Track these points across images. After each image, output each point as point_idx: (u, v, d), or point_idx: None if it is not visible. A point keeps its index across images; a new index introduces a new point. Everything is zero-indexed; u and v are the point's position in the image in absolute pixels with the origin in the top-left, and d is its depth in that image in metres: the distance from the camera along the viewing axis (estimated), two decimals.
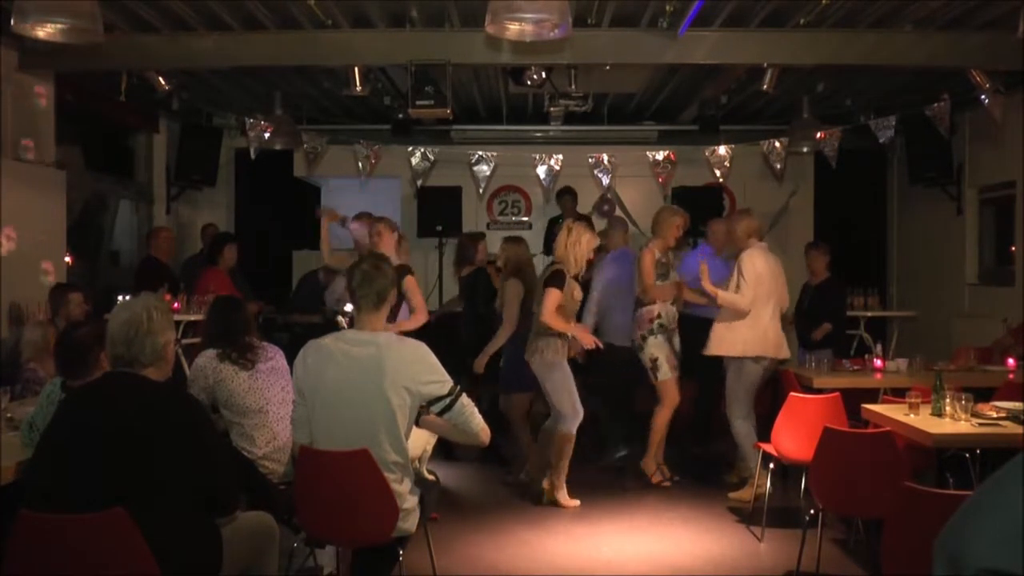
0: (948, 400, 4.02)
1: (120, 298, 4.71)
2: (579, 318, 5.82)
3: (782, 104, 8.37)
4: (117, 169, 8.71)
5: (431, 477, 4.03)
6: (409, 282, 5.30)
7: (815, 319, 6.73)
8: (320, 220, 6.17)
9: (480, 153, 7.94)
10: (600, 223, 8.05)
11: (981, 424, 3.86)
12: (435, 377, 3.13)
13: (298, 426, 3.24)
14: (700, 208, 8.33)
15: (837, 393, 4.61)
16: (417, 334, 5.23)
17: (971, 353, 5.91)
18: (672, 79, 7.79)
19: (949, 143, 8.25)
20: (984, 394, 4.48)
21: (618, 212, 9.51)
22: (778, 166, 8.05)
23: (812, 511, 4.09)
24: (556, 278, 5.28)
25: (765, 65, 6.35)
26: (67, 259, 6.71)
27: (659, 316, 5.81)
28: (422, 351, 3.17)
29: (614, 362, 6.07)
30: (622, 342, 6.10)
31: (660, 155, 8.02)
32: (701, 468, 6.21)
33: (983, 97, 6.44)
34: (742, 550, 4.69)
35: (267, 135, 7.55)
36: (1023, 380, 4.96)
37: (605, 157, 7.87)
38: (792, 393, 4.78)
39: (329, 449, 3.12)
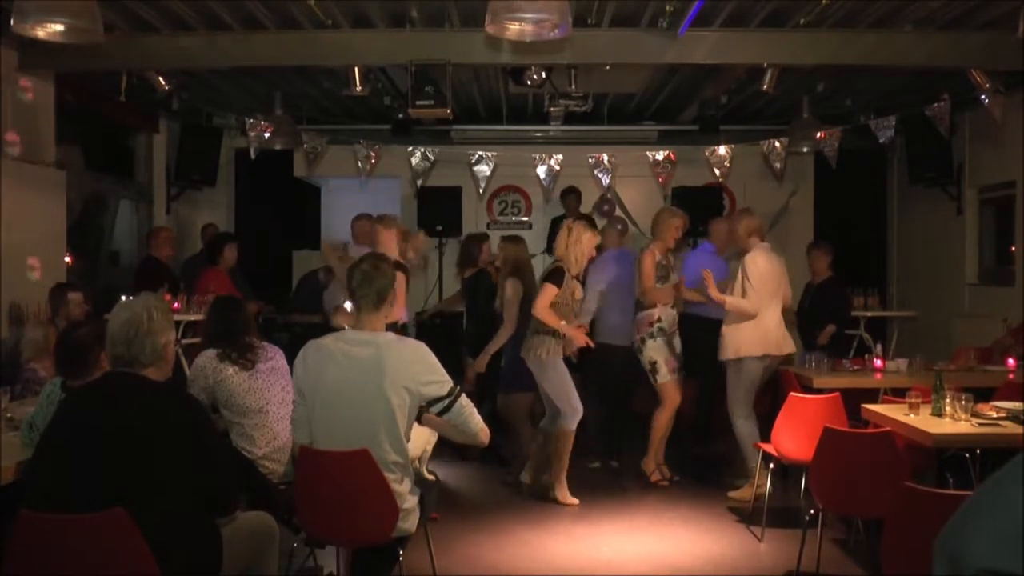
0: (948, 400, 4.02)
1: (124, 298, 4.71)
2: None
3: (782, 104, 8.37)
4: (117, 169, 8.71)
5: (431, 477, 4.03)
6: (399, 278, 5.30)
7: (816, 319, 6.74)
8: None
9: (480, 153, 7.94)
10: (600, 223, 8.06)
11: (981, 424, 3.86)
12: (435, 377, 3.14)
13: (298, 426, 3.24)
14: (700, 208, 8.33)
15: (837, 393, 4.61)
16: (418, 334, 5.23)
17: (971, 353, 5.91)
18: (672, 79, 7.79)
19: (949, 143, 8.25)
20: (984, 394, 4.48)
21: (618, 212, 9.52)
22: (778, 166, 8.05)
23: (812, 511, 4.09)
24: (555, 275, 5.32)
25: (765, 65, 6.35)
26: (67, 259, 6.71)
27: (659, 320, 5.82)
28: (422, 351, 3.17)
29: (607, 361, 6.09)
30: (618, 341, 6.13)
31: (660, 155, 8.02)
32: (701, 468, 6.21)
33: (983, 97, 6.44)
34: (742, 550, 4.69)
35: (267, 135, 7.55)
36: (1023, 380, 4.96)
37: (605, 157, 7.87)
38: (792, 393, 4.78)
39: (329, 449, 3.12)
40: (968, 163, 8.52)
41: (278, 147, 7.81)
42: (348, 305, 5.93)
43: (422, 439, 3.82)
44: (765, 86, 6.56)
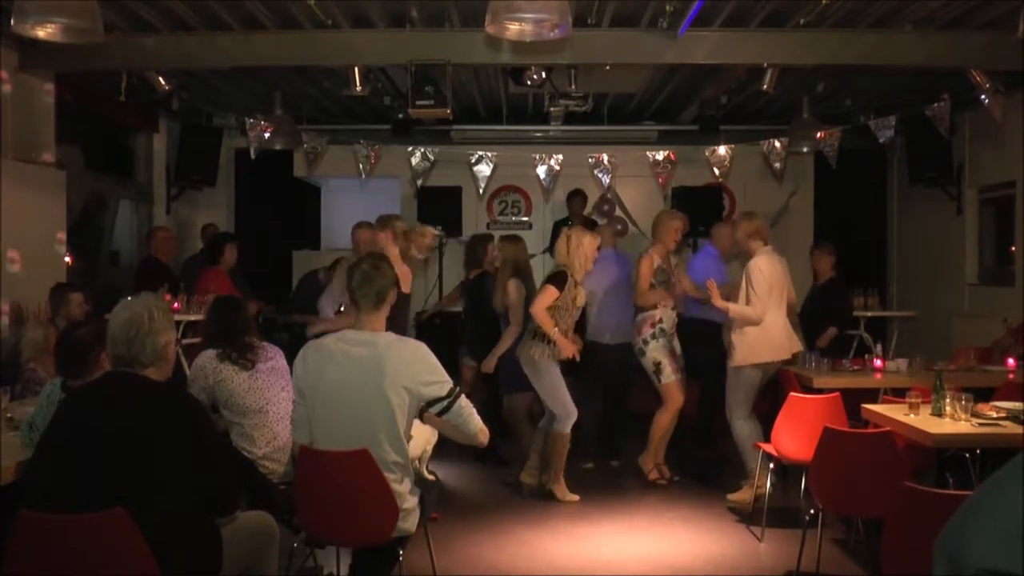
0: (948, 400, 4.02)
1: (130, 299, 4.72)
2: None
3: (782, 104, 8.37)
4: (117, 169, 8.71)
5: (431, 477, 4.03)
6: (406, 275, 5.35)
7: (816, 319, 6.74)
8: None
9: (480, 153, 7.93)
10: (600, 223, 8.06)
11: (981, 424, 3.86)
12: (435, 378, 3.14)
13: (298, 426, 3.24)
14: (700, 208, 8.35)
15: (837, 393, 4.61)
16: (418, 334, 5.23)
17: (971, 353, 5.91)
18: (672, 79, 7.79)
19: (949, 143, 8.25)
20: (984, 394, 4.48)
21: (618, 212, 9.53)
22: (778, 166, 8.04)
23: (812, 511, 4.09)
24: (558, 278, 5.35)
25: (765, 65, 6.35)
26: (67, 259, 6.71)
27: (660, 321, 5.84)
28: (422, 351, 3.17)
29: (598, 361, 6.11)
30: (608, 340, 6.15)
31: (660, 155, 8.01)
32: (701, 468, 6.21)
33: (983, 97, 6.44)
34: (742, 550, 4.69)
35: (267, 135, 7.55)
36: (1023, 380, 4.96)
37: (605, 157, 7.87)
38: (792, 393, 4.78)
39: (329, 449, 3.12)
40: (968, 163, 8.52)
41: (278, 147, 7.81)
42: (330, 311, 5.97)
43: (422, 439, 3.82)
44: (765, 86, 6.56)
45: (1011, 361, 5.62)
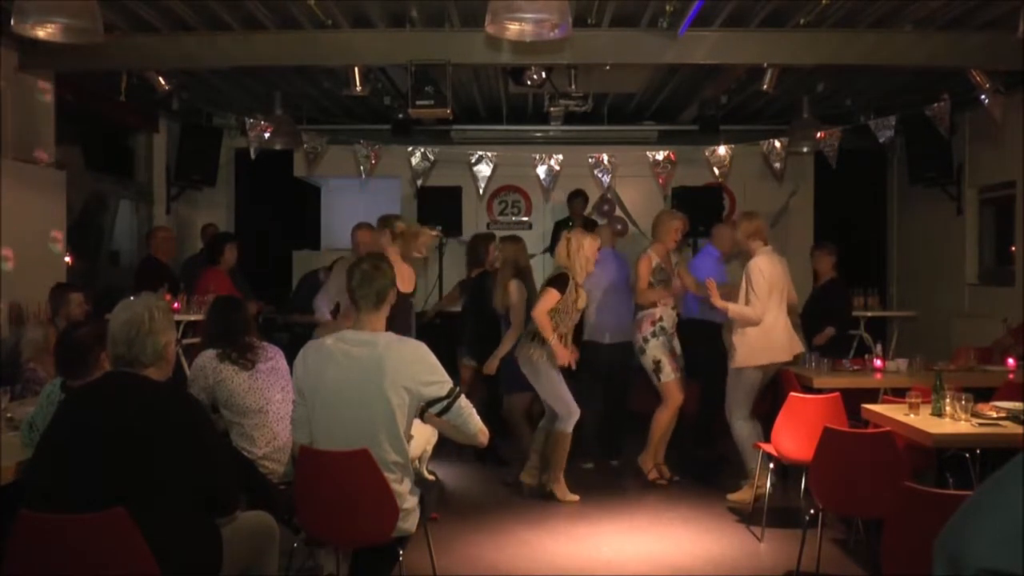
0: (948, 400, 4.02)
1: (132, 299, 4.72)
2: None
3: (782, 104, 8.37)
4: (117, 169, 8.71)
5: (431, 477, 4.03)
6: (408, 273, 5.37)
7: (817, 319, 6.73)
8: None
9: (480, 153, 7.93)
10: (601, 223, 8.06)
11: (981, 424, 3.86)
12: (435, 378, 3.14)
13: (298, 426, 3.24)
14: (700, 208, 8.35)
15: (837, 393, 4.61)
16: (418, 334, 5.23)
17: (971, 353, 5.91)
18: (672, 79, 7.79)
19: (949, 143, 8.25)
20: (984, 394, 4.48)
21: (618, 212, 9.52)
22: (778, 166, 8.05)
23: (812, 511, 4.09)
24: (559, 280, 5.35)
25: (765, 65, 6.35)
26: (67, 259, 6.71)
27: (660, 319, 5.85)
28: (422, 351, 3.17)
29: (595, 359, 6.12)
30: (604, 340, 6.17)
31: (660, 155, 8.01)
32: (701, 468, 6.21)
33: (983, 97, 6.44)
34: (742, 550, 4.69)
35: (267, 135, 7.55)
36: (1023, 380, 4.96)
37: (605, 157, 7.87)
38: (792, 393, 4.78)
39: (329, 449, 3.12)
40: (968, 163, 8.52)
41: (278, 147, 7.81)
42: (326, 310, 5.97)
43: (422, 439, 3.83)
44: (765, 86, 6.56)
45: (1011, 361, 5.62)
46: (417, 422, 3.28)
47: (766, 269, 5.39)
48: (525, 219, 9.87)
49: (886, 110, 7.58)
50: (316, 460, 3.16)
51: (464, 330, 6.64)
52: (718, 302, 5.41)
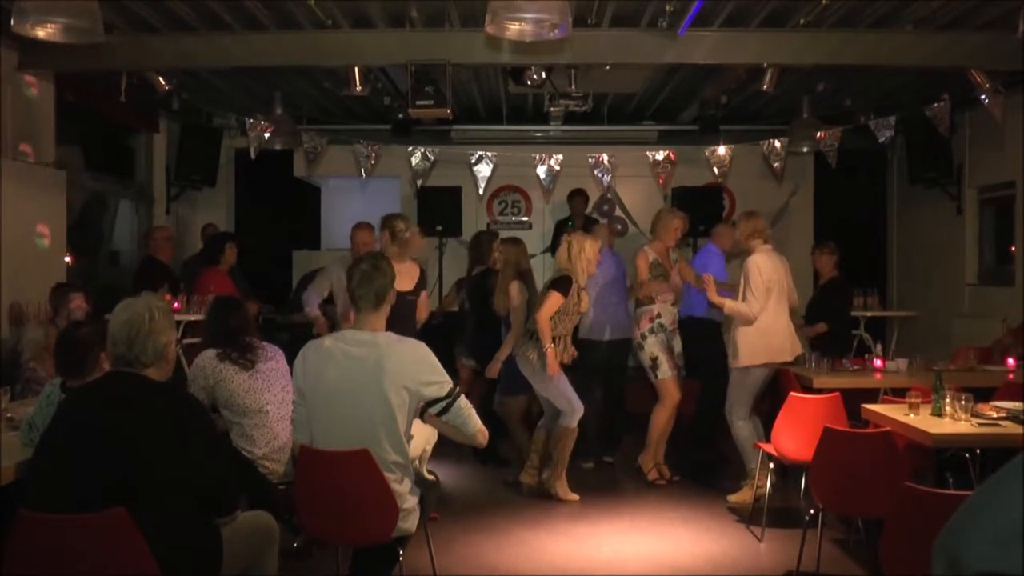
0: (948, 400, 4.01)
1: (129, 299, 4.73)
2: None
3: (782, 104, 8.37)
4: (117, 169, 8.71)
5: (431, 477, 4.02)
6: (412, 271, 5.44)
7: (818, 319, 6.73)
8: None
9: (480, 153, 7.93)
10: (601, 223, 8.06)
11: (981, 424, 3.86)
12: (435, 378, 3.14)
13: (299, 426, 3.24)
14: (700, 208, 8.35)
15: (837, 393, 4.60)
16: (420, 334, 5.23)
17: (971, 353, 5.91)
18: (672, 79, 7.79)
19: (949, 143, 8.25)
20: (984, 394, 4.48)
21: (618, 212, 9.53)
22: (778, 166, 8.03)
23: (812, 511, 4.09)
24: (562, 283, 5.35)
25: (765, 65, 6.35)
26: (67, 259, 6.71)
27: (658, 316, 5.86)
28: (422, 351, 3.17)
29: (591, 357, 6.12)
30: (599, 337, 6.17)
31: (660, 155, 8.00)
32: (701, 468, 6.21)
33: (983, 97, 6.44)
34: (742, 550, 4.69)
35: (267, 135, 7.54)
36: (1023, 380, 4.96)
37: (605, 157, 7.86)
38: (792, 393, 4.77)
39: (329, 449, 3.12)
40: (968, 163, 8.52)
41: (278, 147, 7.81)
42: (315, 304, 6.01)
43: (422, 439, 3.83)
44: (765, 86, 6.56)
45: (1011, 361, 5.62)
46: (417, 422, 3.28)
47: (764, 267, 5.39)
48: (525, 219, 9.87)
49: (886, 110, 7.58)
50: (316, 460, 3.16)
51: (464, 328, 6.64)
52: (714, 297, 5.42)
